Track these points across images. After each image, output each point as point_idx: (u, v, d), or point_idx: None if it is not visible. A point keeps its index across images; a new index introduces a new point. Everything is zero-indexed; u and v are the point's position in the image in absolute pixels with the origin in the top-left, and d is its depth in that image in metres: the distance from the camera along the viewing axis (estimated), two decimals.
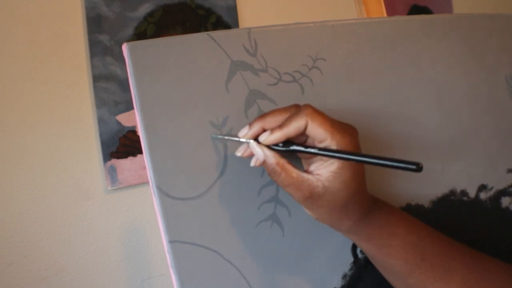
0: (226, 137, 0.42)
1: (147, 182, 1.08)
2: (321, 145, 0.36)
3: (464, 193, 0.54)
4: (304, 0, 1.37)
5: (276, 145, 0.38)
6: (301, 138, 0.39)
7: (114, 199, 1.07)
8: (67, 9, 1.05)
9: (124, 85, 1.07)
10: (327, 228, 0.41)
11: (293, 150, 0.37)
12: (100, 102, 1.05)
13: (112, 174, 1.05)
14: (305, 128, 0.36)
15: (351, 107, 0.49)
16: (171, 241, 0.40)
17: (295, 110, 0.38)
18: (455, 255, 0.40)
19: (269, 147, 0.38)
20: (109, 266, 1.06)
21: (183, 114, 0.42)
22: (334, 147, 0.35)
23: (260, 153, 0.38)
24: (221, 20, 1.21)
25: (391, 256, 0.39)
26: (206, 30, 1.18)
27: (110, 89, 1.06)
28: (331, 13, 1.41)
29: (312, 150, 0.36)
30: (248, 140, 0.39)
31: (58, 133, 1.02)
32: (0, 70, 0.97)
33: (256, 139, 0.39)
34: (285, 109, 0.38)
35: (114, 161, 1.06)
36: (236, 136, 0.40)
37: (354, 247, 0.47)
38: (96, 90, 1.05)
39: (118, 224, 1.07)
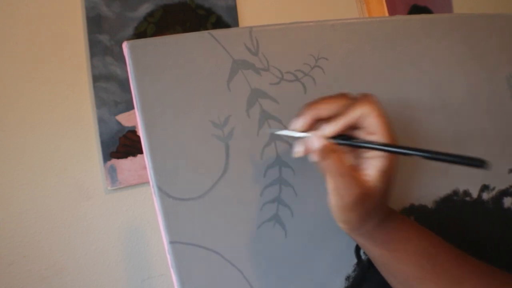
0: (282, 132, 0.38)
1: (147, 182, 1.09)
2: (371, 138, 0.34)
3: (466, 193, 0.54)
4: (305, 0, 1.37)
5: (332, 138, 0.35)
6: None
7: (114, 199, 1.07)
8: (67, 9, 1.04)
9: (124, 85, 1.07)
10: (331, 229, 0.41)
11: (354, 145, 0.34)
12: (100, 102, 1.05)
13: (112, 174, 1.05)
14: (367, 116, 0.34)
15: None
16: (171, 242, 0.39)
17: (351, 97, 0.35)
18: (466, 264, 0.40)
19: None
20: (109, 266, 1.06)
21: (184, 114, 0.41)
22: (387, 141, 0.33)
23: (318, 140, 0.34)
24: (221, 20, 1.21)
25: (403, 262, 0.38)
26: (206, 30, 1.18)
27: (110, 89, 1.06)
28: (332, 13, 1.41)
29: (385, 148, 0.33)
30: (306, 135, 0.35)
31: (58, 133, 1.02)
32: (0, 70, 0.97)
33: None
34: (337, 97, 0.36)
35: (114, 161, 1.06)
36: (292, 130, 0.36)
37: (357, 248, 0.47)
38: (96, 90, 1.05)
39: (118, 224, 1.07)
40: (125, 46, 0.41)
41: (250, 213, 0.43)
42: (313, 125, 0.35)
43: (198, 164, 0.41)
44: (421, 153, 0.32)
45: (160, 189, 0.40)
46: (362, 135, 0.35)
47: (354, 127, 0.35)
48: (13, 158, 0.97)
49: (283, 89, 0.46)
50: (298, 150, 0.36)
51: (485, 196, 0.55)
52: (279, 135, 0.44)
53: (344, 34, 0.50)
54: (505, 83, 0.59)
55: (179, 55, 0.42)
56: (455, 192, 0.53)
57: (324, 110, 0.35)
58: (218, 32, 0.44)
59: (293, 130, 0.36)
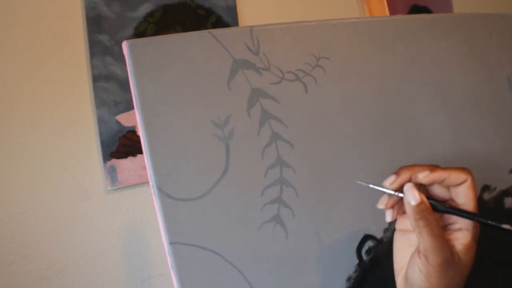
0: (372, 186, 0.38)
1: (147, 182, 1.08)
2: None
3: None
4: (304, 0, 1.37)
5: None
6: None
7: (114, 199, 1.07)
8: (67, 9, 1.04)
9: (124, 85, 1.07)
10: (332, 230, 0.40)
11: (452, 213, 0.35)
12: (100, 102, 1.05)
13: (112, 174, 1.05)
14: (463, 183, 0.34)
15: (354, 106, 0.49)
16: (171, 243, 0.39)
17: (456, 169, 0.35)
18: None
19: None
20: (109, 266, 1.06)
21: (184, 113, 0.41)
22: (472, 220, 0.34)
23: (417, 196, 0.34)
24: (221, 20, 1.21)
25: None
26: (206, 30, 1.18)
27: (110, 89, 1.06)
28: (332, 12, 1.40)
29: (481, 220, 0.34)
30: (394, 193, 0.36)
31: (58, 133, 1.02)
32: (0, 70, 0.97)
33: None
34: (437, 167, 0.36)
35: (114, 161, 1.05)
36: (384, 187, 0.37)
37: (359, 249, 0.47)
38: (96, 90, 1.05)
39: (118, 224, 1.07)
40: (124, 45, 0.40)
41: (250, 213, 0.42)
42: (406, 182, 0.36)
43: (198, 164, 0.41)
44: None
45: (160, 190, 0.39)
46: (451, 202, 0.35)
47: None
48: (13, 158, 0.97)
49: (284, 88, 0.45)
50: (381, 205, 0.37)
51: (486, 196, 0.55)
52: (278, 135, 0.44)
53: (345, 34, 0.50)
54: (506, 83, 0.59)
55: (179, 54, 0.42)
56: None
57: (418, 170, 0.35)
58: (219, 32, 0.44)
59: (385, 186, 0.36)
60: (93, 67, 1.05)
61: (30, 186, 0.98)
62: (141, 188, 1.10)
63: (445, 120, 0.54)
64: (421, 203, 0.34)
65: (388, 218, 0.36)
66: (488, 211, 0.54)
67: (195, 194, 0.41)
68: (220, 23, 1.20)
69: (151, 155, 0.40)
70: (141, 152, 1.09)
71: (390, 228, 0.49)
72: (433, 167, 0.35)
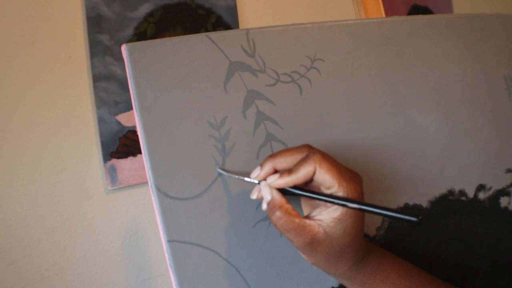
0: (236, 176, 0.41)
1: (147, 182, 1.08)
2: (328, 191, 0.36)
3: (462, 193, 0.54)
4: (303, 0, 1.37)
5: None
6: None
7: (114, 199, 1.07)
8: (67, 9, 1.05)
9: (124, 85, 1.08)
10: None
11: (301, 195, 0.37)
12: (100, 102, 1.05)
13: (112, 174, 1.05)
14: (313, 174, 0.36)
15: (350, 108, 0.49)
16: (169, 241, 0.40)
17: (306, 152, 0.38)
18: None
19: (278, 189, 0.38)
20: (109, 266, 1.06)
21: (182, 115, 0.42)
22: (340, 194, 0.36)
23: (267, 194, 0.38)
24: (221, 20, 1.21)
25: None
26: (206, 30, 1.18)
27: (110, 89, 1.06)
28: (329, 13, 1.41)
29: (321, 197, 0.36)
30: (254, 180, 0.39)
31: (58, 133, 1.02)
32: (0, 70, 0.97)
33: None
34: (296, 150, 0.38)
35: (114, 161, 1.06)
36: (246, 176, 0.40)
37: None
38: (96, 90, 1.05)
39: (118, 224, 1.08)
40: (123, 48, 0.41)
41: (246, 212, 0.43)
42: (271, 174, 0.39)
43: (195, 164, 0.42)
44: (361, 207, 0.34)
45: (158, 189, 0.40)
46: (322, 188, 0.37)
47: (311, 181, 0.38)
48: (13, 158, 0.98)
49: (279, 90, 0.46)
50: (253, 196, 0.39)
51: (482, 195, 0.55)
52: (273, 136, 0.45)
53: (340, 35, 0.50)
54: (503, 83, 0.59)
55: (177, 57, 0.42)
56: (451, 192, 0.53)
57: (281, 162, 0.38)
58: (215, 35, 0.44)
59: (250, 177, 0.39)
60: (93, 67, 1.05)
61: (30, 186, 0.99)
62: (141, 188, 1.10)
63: (441, 120, 0.54)
64: (270, 201, 0.37)
65: (264, 206, 0.39)
66: (483, 210, 0.55)
67: (192, 193, 0.41)
68: (220, 23, 1.21)
69: (149, 155, 0.40)
70: (141, 152, 1.09)
71: (383, 227, 0.49)
72: (292, 168, 0.37)
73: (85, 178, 1.05)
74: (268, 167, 0.38)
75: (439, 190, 0.53)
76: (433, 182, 0.53)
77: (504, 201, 0.56)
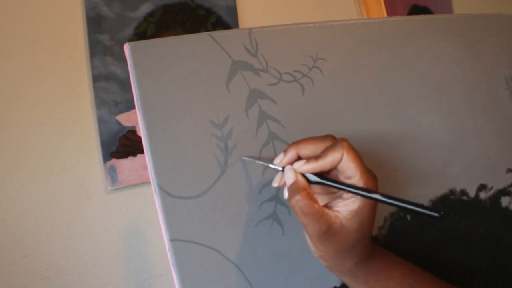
0: (259, 162, 0.41)
1: (148, 182, 1.09)
2: (349, 181, 0.36)
3: (463, 192, 0.54)
4: (304, 0, 1.37)
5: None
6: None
7: (114, 199, 1.07)
8: (67, 9, 1.05)
9: (124, 85, 1.08)
10: None
11: (325, 184, 0.37)
12: (100, 102, 1.05)
13: (112, 174, 1.05)
14: (340, 161, 0.36)
15: (351, 107, 0.50)
16: (172, 240, 0.40)
17: (332, 141, 0.38)
18: None
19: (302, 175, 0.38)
20: (109, 266, 1.06)
21: (184, 114, 0.42)
22: (361, 185, 0.36)
23: (292, 176, 0.37)
24: (221, 20, 1.21)
25: None
26: (206, 30, 1.18)
27: (110, 89, 1.06)
28: (331, 13, 1.41)
29: (346, 188, 0.36)
30: (277, 167, 0.39)
31: (58, 133, 1.02)
32: (0, 70, 0.97)
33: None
34: (321, 138, 0.38)
35: (114, 161, 1.06)
36: (270, 162, 0.40)
37: None
38: (96, 90, 1.05)
39: (118, 224, 1.07)
40: (126, 47, 0.41)
41: (248, 211, 0.43)
42: (294, 161, 0.39)
43: (198, 163, 0.42)
44: (383, 199, 0.35)
45: (160, 188, 0.40)
46: (341, 178, 0.37)
47: (333, 169, 0.38)
48: (13, 158, 0.98)
49: (282, 89, 0.46)
50: (275, 183, 0.40)
51: (483, 195, 0.55)
52: (275, 135, 0.45)
53: (342, 35, 0.50)
54: (504, 83, 0.59)
55: (179, 56, 0.42)
56: (452, 191, 0.53)
57: (305, 149, 0.38)
58: (218, 34, 0.44)
59: (274, 164, 0.39)
60: (93, 67, 1.05)
61: (30, 186, 0.99)
62: (141, 188, 1.10)
63: (442, 120, 0.54)
64: (293, 183, 0.37)
65: (286, 195, 0.38)
66: (484, 210, 0.55)
67: (195, 192, 0.41)
68: (220, 23, 1.21)
69: (152, 154, 0.40)
70: (141, 152, 1.10)
71: (385, 226, 0.49)
72: (320, 154, 0.37)
73: (85, 178, 1.05)
74: (292, 153, 0.38)
75: (441, 189, 0.53)
76: (434, 182, 0.53)
77: (505, 201, 0.56)
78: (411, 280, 0.40)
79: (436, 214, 0.32)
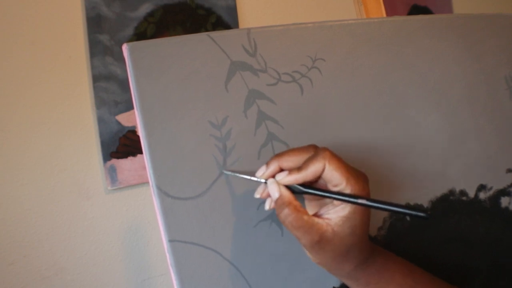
0: (240, 175, 0.41)
1: (147, 182, 1.08)
2: (336, 189, 0.36)
3: (463, 193, 0.54)
4: (304, 0, 1.37)
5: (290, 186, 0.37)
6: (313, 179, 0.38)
7: (114, 199, 1.07)
8: (67, 9, 1.05)
9: (124, 85, 1.08)
10: None
11: (310, 193, 0.37)
12: (100, 102, 1.05)
13: (112, 174, 1.05)
14: (322, 171, 0.36)
15: (351, 107, 0.49)
16: (170, 240, 0.40)
17: (313, 151, 0.38)
18: None
19: (286, 187, 0.38)
20: (109, 266, 1.06)
21: (183, 114, 0.42)
22: (348, 191, 0.36)
23: (275, 192, 0.37)
24: (221, 20, 1.21)
25: None
26: (206, 30, 1.18)
27: (110, 89, 1.06)
28: (330, 13, 1.41)
29: (331, 195, 0.36)
30: (260, 179, 0.39)
31: (58, 133, 1.02)
32: (0, 70, 0.97)
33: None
34: (303, 149, 0.38)
35: (114, 161, 1.06)
36: (251, 175, 0.40)
37: None
38: (96, 90, 1.05)
39: (118, 224, 1.08)
40: (125, 48, 0.41)
41: (247, 212, 0.43)
42: (276, 173, 0.38)
43: (197, 164, 0.42)
44: (369, 203, 0.35)
45: (159, 189, 0.40)
46: (329, 186, 0.37)
47: (319, 179, 0.38)
48: (13, 158, 0.98)
49: (280, 90, 0.46)
50: (257, 194, 0.39)
51: (482, 195, 0.55)
52: (274, 136, 0.45)
53: (342, 35, 0.50)
54: (504, 83, 0.59)
55: (178, 56, 0.42)
56: (452, 192, 0.53)
57: (287, 161, 0.38)
58: (216, 34, 0.44)
59: (256, 177, 0.39)
60: (93, 67, 1.05)
61: (30, 186, 0.99)
62: (141, 188, 1.10)
63: (442, 120, 0.54)
64: (279, 198, 0.37)
65: (267, 206, 0.39)
66: (483, 210, 0.55)
67: (193, 193, 0.41)
68: (220, 23, 1.21)
69: (151, 154, 0.40)
70: (141, 152, 1.09)
71: (384, 226, 0.49)
72: (302, 165, 0.37)
73: (85, 178, 1.05)
74: (274, 165, 0.38)
75: (440, 190, 0.53)
76: (434, 182, 0.53)
77: (504, 201, 0.56)
78: (411, 281, 0.40)
79: (422, 214, 0.32)
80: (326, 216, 0.37)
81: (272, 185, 0.38)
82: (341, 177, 0.36)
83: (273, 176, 0.38)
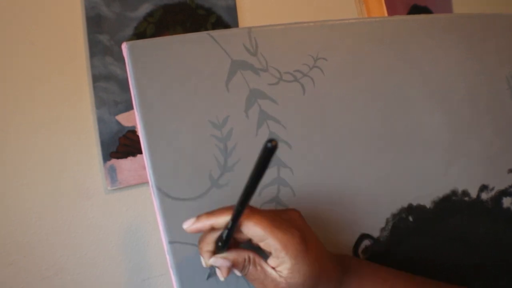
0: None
1: (147, 182, 1.08)
2: (262, 244, 0.35)
3: (465, 193, 0.54)
4: (304, 0, 1.37)
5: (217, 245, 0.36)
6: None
7: (114, 199, 1.07)
8: (67, 9, 1.04)
9: (124, 85, 1.07)
10: (328, 230, 0.40)
11: (222, 244, 0.36)
12: (100, 102, 1.05)
13: (112, 174, 1.05)
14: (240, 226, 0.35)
15: (352, 107, 0.49)
16: (171, 242, 0.40)
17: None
18: None
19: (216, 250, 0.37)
20: (109, 266, 1.06)
21: (183, 114, 0.42)
22: (278, 245, 0.34)
23: (226, 261, 0.36)
24: (221, 20, 1.21)
25: None
26: (206, 30, 1.18)
27: (110, 89, 1.06)
28: (331, 13, 1.41)
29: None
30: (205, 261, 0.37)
31: (58, 133, 1.02)
32: (0, 70, 0.97)
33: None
34: (222, 212, 0.37)
35: (114, 161, 1.06)
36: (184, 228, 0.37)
37: (355, 248, 0.47)
38: (96, 90, 1.05)
39: (118, 224, 1.07)
40: (124, 47, 0.41)
41: None
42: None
43: (197, 164, 0.41)
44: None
45: (159, 189, 0.40)
46: (257, 243, 0.36)
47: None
48: (13, 158, 0.97)
49: (282, 89, 0.46)
50: (186, 224, 0.37)
51: (484, 196, 0.55)
52: (275, 136, 0.44)
53: (343, 35, 0.50)
54: (505, 83, 0.59)
55: (178, 55, 0.42)
56: (454, 192, 0.53)
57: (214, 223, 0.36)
58: (217, 33, 0.44)
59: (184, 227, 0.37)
60: (93, 67, 1.05)
61: (30, 186, 0.99)
62: (141, 188, 1.10)
63: (443, 120, 0.54)
64: (232, 262, 0.36)
65: (221, 278, 0.37)
66: (485, 210, 0.55)
67: (194, 194, 0.41)
68: (220, 23, 1.20)
69: (150, 155, 0.40)
70: (141, 152, 1.09)
71: (387, 228, 0.49)
72: (212, 211, 0.36)
73: (85, 178, 1.04)
74: (201, 223, 0.36)
75: (442, 190, 0.53)
76: (436, 183, 0.52)
77: (506, 201, 0.56)
78: None
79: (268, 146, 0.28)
80: (278, 268, 0.36)
81: (218, 259, 0.36)
82: (263, 232, 0.34)
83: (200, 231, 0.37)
